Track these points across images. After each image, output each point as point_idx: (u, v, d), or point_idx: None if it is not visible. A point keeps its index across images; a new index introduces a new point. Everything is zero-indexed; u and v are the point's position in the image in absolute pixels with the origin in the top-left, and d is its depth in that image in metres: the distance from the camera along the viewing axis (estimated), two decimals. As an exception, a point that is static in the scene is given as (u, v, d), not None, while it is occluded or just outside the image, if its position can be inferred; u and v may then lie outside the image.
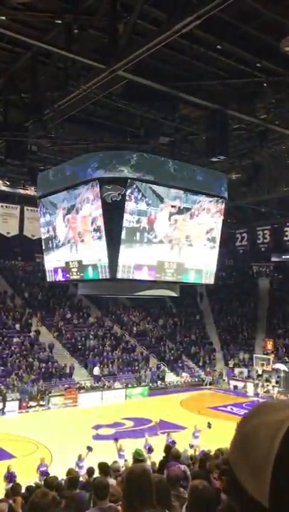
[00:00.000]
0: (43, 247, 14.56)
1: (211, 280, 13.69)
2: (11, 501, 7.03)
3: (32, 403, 25.59)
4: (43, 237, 14.54)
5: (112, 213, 11.20)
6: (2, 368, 28.24)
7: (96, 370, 30.10)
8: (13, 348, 30.10)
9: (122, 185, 11.09)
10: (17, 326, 32.70)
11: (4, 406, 24.44)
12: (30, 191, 18.86)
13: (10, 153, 13.10)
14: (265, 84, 11.14)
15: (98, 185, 11.16)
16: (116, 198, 11.08)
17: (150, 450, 13.81)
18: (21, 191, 19.98)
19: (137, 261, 11.50)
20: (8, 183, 19.25)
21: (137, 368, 32.33)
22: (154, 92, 10.74)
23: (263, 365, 32.77)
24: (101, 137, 14.26)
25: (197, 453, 12.29)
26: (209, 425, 16.30)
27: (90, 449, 13.53)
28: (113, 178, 11.09)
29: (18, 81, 11.63)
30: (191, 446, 14.92)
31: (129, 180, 11.08)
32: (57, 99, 11.19)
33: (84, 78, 10.13)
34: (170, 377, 33.02)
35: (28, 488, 8.56)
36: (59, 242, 13.42)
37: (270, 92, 11.39)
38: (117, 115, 13.63)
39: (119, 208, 11.12)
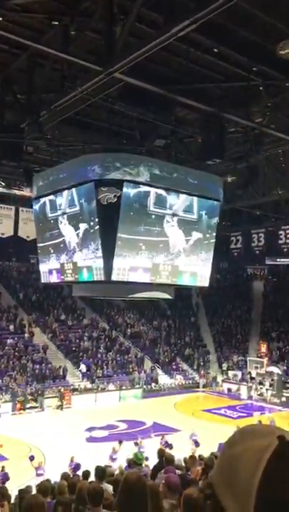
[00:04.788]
0: (38, 250, 14.51)
1: (205, 283, 13.69)
2: None
3: (25, 405, 25.52)
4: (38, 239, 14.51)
5: (108, 215, 11.18)
6: (-5, 369, 28.14)
7: (83, 368, 30.14)
8: (6, 349, 29.98)
9: (117, 187, 11.08)
10: (11, 327, 32.60)
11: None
12: (26, 192, 18.77)
13: (5, 155, 13.04)
14: (261, 88, 11.17)
15: (94, 187, 11.14)
16: (111, 200, 11.06)
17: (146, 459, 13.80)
18: (16, 192, 19.89)
19: (132, 263, 11.49)
20: (3, 183, 19.17)
21: (131, 370, 32.29)
22: (150, 94, 10.72)
23: (256, 367, 32.83)
24: (97, 139, 14.23)
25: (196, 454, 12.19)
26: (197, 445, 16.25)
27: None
28: (109, 180, 11.08)
29: (14, 82, 11.60)
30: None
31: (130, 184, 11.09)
32: (53, 100, 11.15)
33: (80, 80, 10.11)
34: (164, 380, 33.00)
35: (21, 492, 8.49)
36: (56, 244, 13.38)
37: (266, 95, 11.41)
38: (113, 117, 13.61)
39: (114, 209, 11.10)
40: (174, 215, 12.13)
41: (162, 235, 12.02)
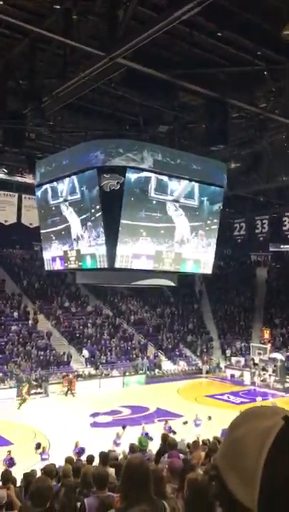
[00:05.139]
0: (41, 236, 14.53)
1: (208, 270, 13.70)
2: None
3: (30, 390, 25.75)
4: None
5: (110, 202, 11.16)
6: (0, 355, 28.35)
7: (86, 353, 30.44)
8: (11, 336, 30.20)
9: (120, 174, 11.04)
10: (15, 314, 32.79)
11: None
12: (28, 179, 18.76)
13: (8, 141, 12.99)
14: (265, 73, 11.04)
15: (97, 174, 11.11)
16: (114, 187, 11.03)
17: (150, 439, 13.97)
18: (19, 179, 19.88)
19: (135, 251, 11.49)
20: (5, 170, 19.15)
21: (134, 356, 32.50)
22: (153, 79, 10.62)
23: (259, 354, 32.97)
24: (100, 125, 14.15)
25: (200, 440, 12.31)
26: (209, 418, 16.80)
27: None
28: (112, 167, 11.03)
29: (16, 68, 11.49)
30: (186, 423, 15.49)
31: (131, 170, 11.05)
32: (55, 86, 11.06)
33: (83, 65, 10.01)
34: (167, 366, 33.21)
35: (26, 475, 8.58)
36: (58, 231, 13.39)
37: (270, 80, 11.28)
38: (116, 103, 13.50)
39: (117, 197, 11.08)
40: (175, 201, 12.08)
41: (163, 221, 11.98)
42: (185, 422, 17.12)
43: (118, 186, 10.97)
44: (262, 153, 16.43)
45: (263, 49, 10.16)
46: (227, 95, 11.29)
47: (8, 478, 7.57)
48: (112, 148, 11.09)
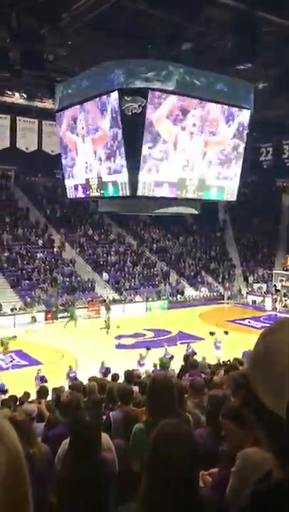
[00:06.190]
0: (63, 164, 14.42)
1: (233, 197, 13.49)
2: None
3: (57, 314, 26.79)
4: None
5: (132, 127, 10.86)
6: (28, 281, 29.27)
7: (106, 276, 31.39)
8: (37, 263, 30.98)
9: (142, 96, 10.64)
10: (40, 241, 33.36)
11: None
12: (48, 104, 18.31)
13: (26, 63, 12.55)
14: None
15: (118, 97, 10.74)
16: (136, 111, 10.69)
17: (171, 358, 14.57)
18: (39, 104, 19.43)
19: (157, 178, 11.32)
20: (25, 95, 18.66)
21: (157, 282, 33.14)
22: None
23: (282, 280, 33.19)
24: (120, 44, 13.45)
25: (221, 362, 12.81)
26: (226, 332, 17.56)
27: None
28: (134, 88, 10.62)
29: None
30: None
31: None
32: (73, 1, 10.44)
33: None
34: (189, 292, 33.84)
35: (55, 390, 9.16)
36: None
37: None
38: (137, 19, 12.72)
39: (139, 121, 10.76)
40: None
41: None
42: (212, 333, 18.18)
43: (140, 109, 10.62)
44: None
45: None
46: (255, 7, 10.52)
47: (44, 393, 8.20)
48: (134, 67, 10.62)
